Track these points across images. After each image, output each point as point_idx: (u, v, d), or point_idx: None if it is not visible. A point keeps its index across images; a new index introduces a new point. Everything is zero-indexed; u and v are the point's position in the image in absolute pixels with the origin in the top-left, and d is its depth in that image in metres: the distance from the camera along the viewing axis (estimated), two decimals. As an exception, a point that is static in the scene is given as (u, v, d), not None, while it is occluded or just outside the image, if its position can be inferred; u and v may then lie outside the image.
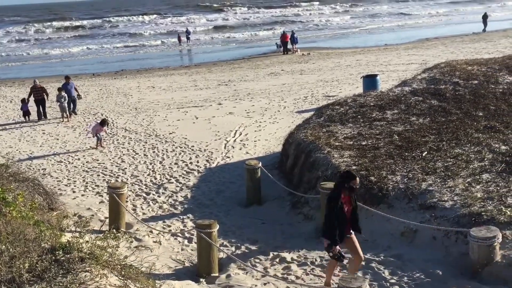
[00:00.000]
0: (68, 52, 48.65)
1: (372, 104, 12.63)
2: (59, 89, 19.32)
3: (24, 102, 19.71)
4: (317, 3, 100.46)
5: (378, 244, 7.60)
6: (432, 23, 57.94)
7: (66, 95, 19.08)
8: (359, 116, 11.96)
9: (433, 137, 10.16)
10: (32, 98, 19.79)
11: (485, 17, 44.57)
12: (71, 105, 19.64)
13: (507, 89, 12.76)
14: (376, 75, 18.16)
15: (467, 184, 7.79)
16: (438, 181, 8.08)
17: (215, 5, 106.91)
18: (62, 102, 18.87)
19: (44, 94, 19.88)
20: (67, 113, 19.18)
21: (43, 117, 19.74)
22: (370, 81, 17.46)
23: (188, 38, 51.80)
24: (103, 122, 15.63)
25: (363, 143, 10.29)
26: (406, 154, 9.44)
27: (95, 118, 19.23)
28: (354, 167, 8.94)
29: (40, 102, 19.75)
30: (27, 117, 19.63)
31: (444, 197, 7.54)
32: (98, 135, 15.24)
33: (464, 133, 10.17)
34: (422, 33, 46.91)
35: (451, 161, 8.84)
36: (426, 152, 9.38)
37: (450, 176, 8.16)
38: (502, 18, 54.43)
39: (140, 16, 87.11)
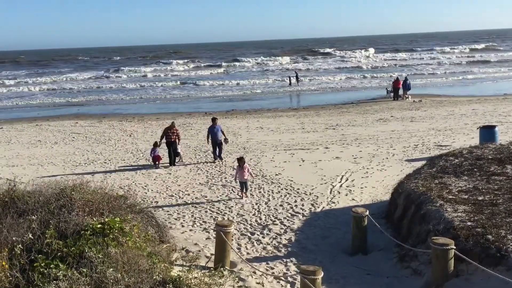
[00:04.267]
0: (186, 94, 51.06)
1: (490, 157, 11.95)
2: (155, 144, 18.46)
3: (157, 145, 18.55)
4: (438, 49, 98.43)
5: (494, 310, 7.03)
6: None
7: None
8: (475, 169, 11.35)
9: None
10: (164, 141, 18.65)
11: None
12: (217, 149, 18.83)
13: None
14: (494, 126, 17.22)
15: None
16: None
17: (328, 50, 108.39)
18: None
19: (176, 137, 18.68)
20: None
21: (173, 163, 18.50)
22: (487, 132, 16.57)
23: (297, 80, 52.70)
24: (240, 161, 14.32)
25: (480, 198, 9.71)
26: (529, 213, 8.75)
27: (206, 155, 19.99)
28: (469, 223, 8.45)
29: (172, 145, 18.50)
30: (157, 163, 18.40)
31: None
32: (241, 180, 14.09)
33: None
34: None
35: None
36: (552, 213, 8.63)
37: None
38: None
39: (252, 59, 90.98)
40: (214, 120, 19.33)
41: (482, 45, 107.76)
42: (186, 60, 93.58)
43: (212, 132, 18.78)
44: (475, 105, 31.12)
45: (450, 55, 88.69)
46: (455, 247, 7.67)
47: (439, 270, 7.71)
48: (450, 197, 9.90)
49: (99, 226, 7.30)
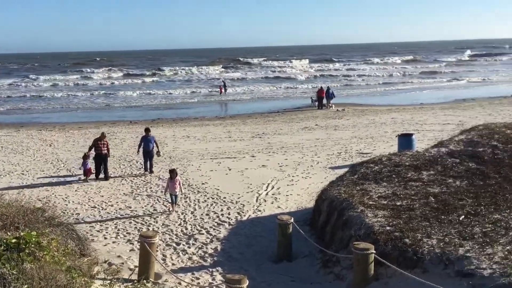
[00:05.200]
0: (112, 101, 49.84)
1: (407, 163, 12.49)
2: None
3: (86, 157, 17.43)
4: (360, 62, 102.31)
5: (412, 310, 7.32)
6: (472, 85, 57.60)
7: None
8: (394, 176, 11.81)
9: (471, 201, 9.91)
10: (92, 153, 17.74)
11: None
12: (148, 161, 18.10)
13: (548, 155, 12.45)
14: (411, 134, 18.03)
15: (506, 252, 7.50)
16: (476, 247, 7.81)
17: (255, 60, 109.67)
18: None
19: (107, 150, 17.74)
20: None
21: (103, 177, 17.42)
22: (405, 140, 17.32)
23: (225, 89, 52.89)
24: (172, 172, 13.74)
25: (398, 203, 10.11)
26: (443, 217, 9.21)
27: (130, 165, 19.54)
28: (388, 228, 8.77)
29: (101, 158, 17.54)
30: (88, 176, 17.33)
31: (482, 265, 7.27)
32: (172, 192, 13.57)
33: (503, 199, 9.90)
34: (459, 93, 46.74)
35: (489, 227, 8.57)
36: (463, 216, 9.13)
37: (489, 243, 7.89)
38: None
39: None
40: (147, 130, 18.64)
41: (410, 57, 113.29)
42: (110, 68, 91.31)
43: (145, 142, 18.18)
44: (394, 114, 32.50)
45: (379, 66, 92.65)
46: (375, 252, 7.92)
47: (360, 274, 7.93)
48: (371, 203, 10.24)
49: (13, 241, 6.92)
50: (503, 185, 10.80)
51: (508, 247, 7.69)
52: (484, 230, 8.46)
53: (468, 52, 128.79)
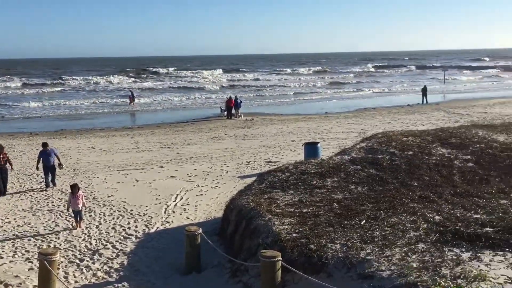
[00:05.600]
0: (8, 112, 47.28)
1: (313, 171, 12.84)
2: None
3: None
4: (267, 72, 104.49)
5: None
6: (374, 95, 60.60)
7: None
8: (300, 183, 12.10)
9: (371, 206, 10.37)
10: None
11: (424, 90, 47.36)
12: (49, 175, 17.21)
13: (439, 161, 13.33)
14: (317, 143, 18.60)
15: (403, 254, 7.91)
16: (376, 250, 8.17)
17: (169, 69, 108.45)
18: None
19: (7, 162, 16.75)
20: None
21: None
22: (311, 148, 17.83)
23: (133, 99, 51.76)
24: (73, 188, 12.98)
25: (304, 210, 10.36)
26: (346, 222, 9.54)
27: (30, 179, 18.52)
28: (294, 235, 8.95)
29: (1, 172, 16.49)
30: None
31: (381, 267, 7.61)
32: (74, 208, 12.84)
33: (400, 202, 10.45)
34: (361, 103, 48.97)
35: (388, 230, 9.00)
36: (364, 221, 9.53)
37: (388, 245, 8.28)
38: (438, 91, 57.69)
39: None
40: (44, 145, 17.59)
41: (318, 67, 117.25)
42: (8, 77, 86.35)
43: (44, 157, 17.20)
44: (301, 123, 33.40)
45: (289, 76, 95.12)
46: (281, 259, 8.04)
47: (268, 282, 8.02)
48: (278, 210, 10.40)
49: None
50: (400, 189, 11.40)
51: (405, 249, 8.11)
52: (383, 233, 8.87)
53: (371, 64, 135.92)
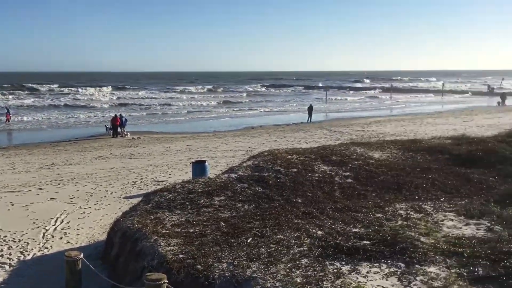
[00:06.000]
0: None
1: (200, 190, 12.78)
2: None
3: None
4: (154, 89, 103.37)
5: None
6: (263, 113, 62.06)
7: None
8: (187, 203, 11.98)
9: (258, 223, 10.52)
10: None
11: (310, 109, 49.43)
12: None
13: (322, 177, 13.90)
14: (204, 161, 18.60)
15: (288, 270, 8.09)
16: (262, 267, 8.28)
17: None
18: None
19: None
20: None
21: None
22: (199, 167, 17.79)
23: (8, 117, 48.45)
24: None
25: (191, 230, 10.24)
26: (232, 240, 9.58)
27: None
28: (181, 256, 8.80)
29: None
30: None
31: (267, 284, 7.71)
32: None
33: (285, 219, 10.72)
34: (249, 121, 49.96)
35: (273, 247, 9.17)
36: (251, 239, 9.63)
37: (273, 262, 8.43)
38: (321, 110, 60.45)
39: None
40: None
41: (210, 86, 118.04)
42: None
43: None
44: (190, 141, 33.27)
45: (182, 94, 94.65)
46: (167, 281, 7.85)
47: (153, 306, 7.78)
48: (164, 231, 10.19)
49: None
50: (285, 206, 11.71)
51: (289, 265, 8.30)
52: (269, 250, 9.02)
53: (260, 83, 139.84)
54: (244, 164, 15.17)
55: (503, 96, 68.80)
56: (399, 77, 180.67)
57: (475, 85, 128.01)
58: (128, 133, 37.48)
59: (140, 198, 14.10)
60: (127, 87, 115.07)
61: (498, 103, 65.19)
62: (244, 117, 56.21)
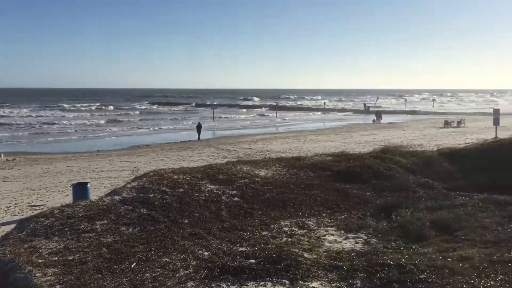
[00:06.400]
0: None
1: (80, 214, 12.15)
2: None
3: None
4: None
5: None
6: (151, 132, 60.86)
7: None
8: (66, 229, 11.31)
9: (142, 247, 10.20)
10: None
11: (199, 127, 49.63)
12: None
13: (208, 197, 13.86)
14: (86, 183, 17.72)
15: (173, 294, 7.92)
16: (146, 293, 8.02)
17: None
18: None
19: None
20: None
21: None
22: (80, 189, 16.89)
23: None
24: None
25: (70, 258, 9.67)
26: (115, 267, 9.19)
27: None
28: (58, 286, 8.26)
29: None
30: None
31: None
32: None
33: (171, 241, 10.50)
34: (136, 140, 48.78)
35: (159, 271, 8.93)
36: (135, 264, 9.30)
37: (158, 287, 8.20)
38: (209, 128, 60.62)
39: None
40: None
41: (97, 104, 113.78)
42: None
43: None
44: (71, 162, 31.68)
45: (68, 112, 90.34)
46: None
47: None
48: (40, 261, 9.53)
49: None
50: (171, 228, 11.49)
51: (175, 289, 8.12)
52: (154, 275, 8.76)
53: (149, 100, 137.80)
54: (129, 185, 14.71)
55: (378, 114, 73.74)
56: (287, 95, 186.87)
57: (356, 103, 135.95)
58: (2, 154, 34.88)
59: (13, 225, 13.09)
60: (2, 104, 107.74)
61: (373, 120, 69.68)
62: (131, 136, 54.82)
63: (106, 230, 11.26)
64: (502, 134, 35.16)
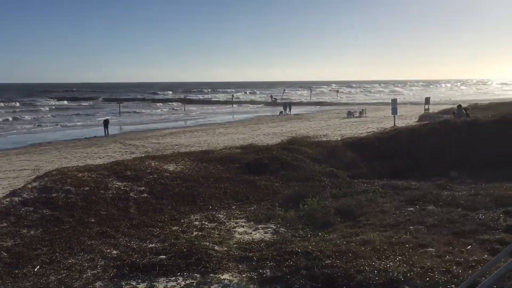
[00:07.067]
0: None
1: (-24, 219, 11.40)
2: None
3: None
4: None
5: None
6: (57, 129, 58.05)
7: None
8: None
9: (46, 249, 9.79)
10: None
11: (106, 123, 47.94)
12: None
13: (116, 194, 13.52)
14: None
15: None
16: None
17: None
18: None
19: None
20: None
21: None
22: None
23: None
24: None
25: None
26: (17, 271, 8.77)
27: None
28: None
29: None
30: None
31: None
32: None
33: (77, 242, 10.17)
34: (36, 137, 46.37)
35: (64, 273, 8.62)
36: (38, 267, 8.91)
37: (64, 290, 7.92)
38: (116, 123, 58.81)
39: None
40: None
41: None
42: None
43: None
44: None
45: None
46: None
47: None
48: None
49: None
50: (77, 228, 11.10)
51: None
52: (59, 277, 8.46)
53: (50, 95, 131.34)
54: (30, 186, 13.99)
55: (286, 105, 75.35)
56: (200, 89, 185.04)
57: (266, 96, 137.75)
58: None
59: None
60: None
61: (280, 112, 71.14)
62: (32, 133, 52.00)
63: (5, 234, 10.65)
64: (400, 123, 37.32)
